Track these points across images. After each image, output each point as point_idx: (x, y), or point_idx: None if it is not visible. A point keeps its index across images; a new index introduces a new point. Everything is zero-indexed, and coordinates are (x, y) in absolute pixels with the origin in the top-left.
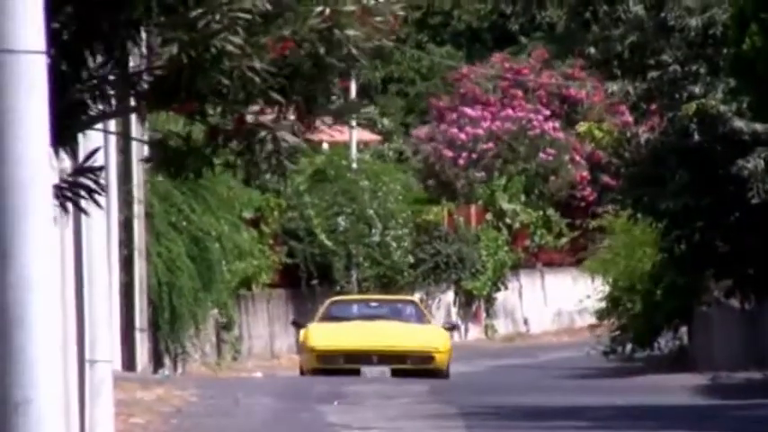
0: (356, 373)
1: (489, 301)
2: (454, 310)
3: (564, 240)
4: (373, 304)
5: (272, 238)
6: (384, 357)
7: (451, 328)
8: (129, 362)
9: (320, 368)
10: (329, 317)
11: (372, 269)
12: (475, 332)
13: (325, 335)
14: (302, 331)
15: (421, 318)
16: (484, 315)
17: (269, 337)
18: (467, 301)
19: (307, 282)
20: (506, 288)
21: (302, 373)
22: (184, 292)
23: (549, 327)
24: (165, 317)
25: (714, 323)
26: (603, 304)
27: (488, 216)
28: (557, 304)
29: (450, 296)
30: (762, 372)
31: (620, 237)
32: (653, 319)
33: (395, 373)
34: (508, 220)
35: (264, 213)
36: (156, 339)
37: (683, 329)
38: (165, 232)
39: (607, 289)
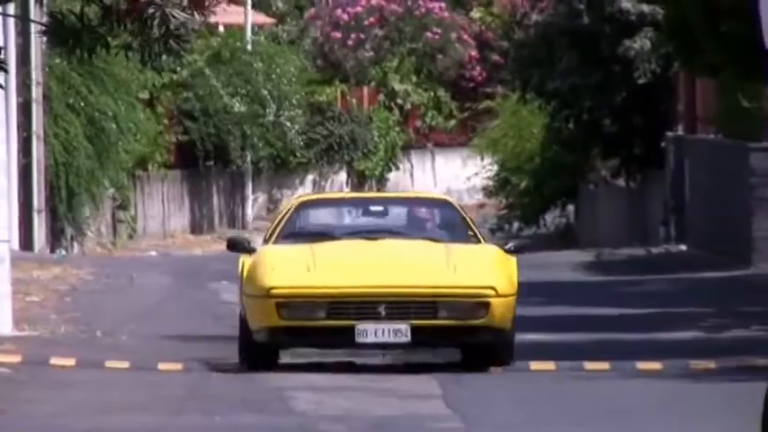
0: (347, 335)
1: (381, 181)
2: (347, 191)
3: (454, 122)
4: (375, 208)
5: (168, 118)
6: (397, 307)
7: (518, 250)
8: (26, 242)
9: (284, 327)
10: (296, 233)
11: (266, 149)
12: None
13: (290, 267)
14: (245, 259)
15: (461, 232)
16: None
17: (164, 216)
18: (359, 181)
19: (202, 162)
20: (398, 168)
21: (243, 336)
22: (81, 172)
23: None
24: (63, 197)
25: (600, 201)
26: (492, 183)
27: (381, 97)
28: (446, 183)
29: (342, 177)
30: (644, 248)
31: (509, 117)
32: (540, 197)
33: (418, 334)
34: (400, 101)
35: (160, 94)
36: (53, 219)
37: (570, 207)
38: (63, 114)
39: (495, 168)
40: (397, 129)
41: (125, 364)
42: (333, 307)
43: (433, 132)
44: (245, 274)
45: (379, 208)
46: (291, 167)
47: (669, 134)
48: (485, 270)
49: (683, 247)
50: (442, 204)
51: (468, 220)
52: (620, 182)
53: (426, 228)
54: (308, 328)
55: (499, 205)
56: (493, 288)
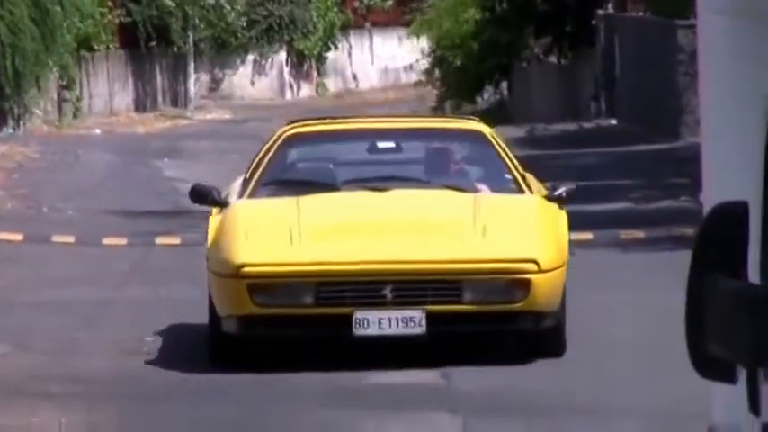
0: (342, 325)
1: (320, 60)
2: (287, 70)
3: (391, 2)
4: (383, 145)
5: (111, 0)
6: (409, 289)
7: (567, 196)
8: None
9: (259, 315)
10: (280, 179)
11: (207, 30)
12: (307, 90)
13: (268, 234)
14: (213, 218)
15: (497, 176)
16: (315, 74)
17: (108, 95)
18: (299, 60)
19: (145, 43)
20: (336, 48)
21: (213, 321)
22: (27, 53)
23: (376, 84)
24: (9, 77)
25: (532, 78)
26: (428, 62)
27: None
28: (384, 62)
29: (282, 56)
30: (576, 123)
31: None
32: (475, 75)
33: (435, 324)
34: None
35: None
36: (0, 99)
37: (504, 85)
38: None
39: (432, 47)
40: (336, 9)
41: (71, 239)
42: (323, 290)
43: (371, 12)
44: (210, 236)
45: (390, 144)
46: (232, 48)
47: (600, 12)
48: (524, 235)
49: (614, 122)
50: (472, 136)
51: (507, 157)
52: (553, 59)
53: (451, 171)
54: (291, 317)
55: (434, 83)
56: (534, 261)
